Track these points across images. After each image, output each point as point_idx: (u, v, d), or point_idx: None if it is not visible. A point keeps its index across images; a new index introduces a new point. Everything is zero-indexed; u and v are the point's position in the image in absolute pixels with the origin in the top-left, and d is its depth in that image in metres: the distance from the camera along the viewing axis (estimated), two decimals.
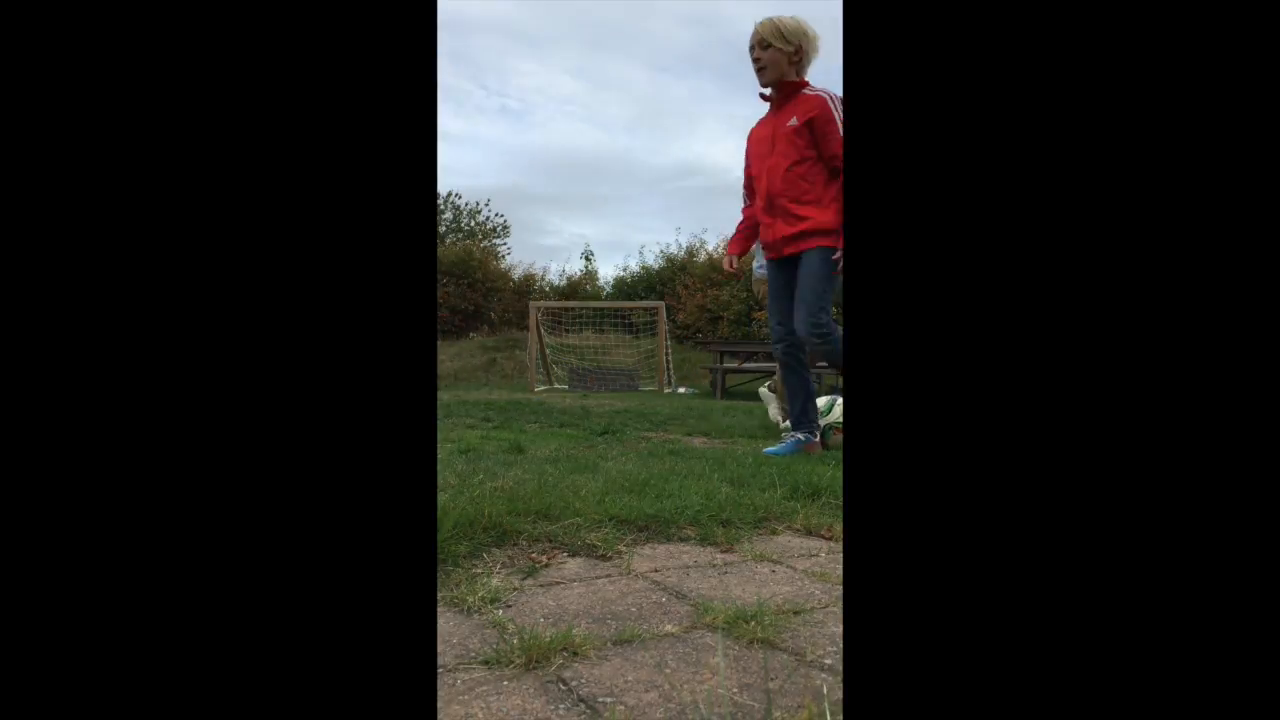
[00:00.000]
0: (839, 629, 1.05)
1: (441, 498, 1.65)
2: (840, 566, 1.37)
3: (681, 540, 1.57)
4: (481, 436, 3.31)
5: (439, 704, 0.79)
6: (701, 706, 0.80)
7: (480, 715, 0.78)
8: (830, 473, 2.12)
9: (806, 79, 2.78)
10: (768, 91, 2.80)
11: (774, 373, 7.63)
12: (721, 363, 7.61)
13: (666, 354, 9.27)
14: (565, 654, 0.94)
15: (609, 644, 0.98)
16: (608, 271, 18.56)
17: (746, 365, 8.03)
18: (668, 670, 0.90)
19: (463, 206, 23.63)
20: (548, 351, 9.12)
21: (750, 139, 2.92)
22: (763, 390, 3.95)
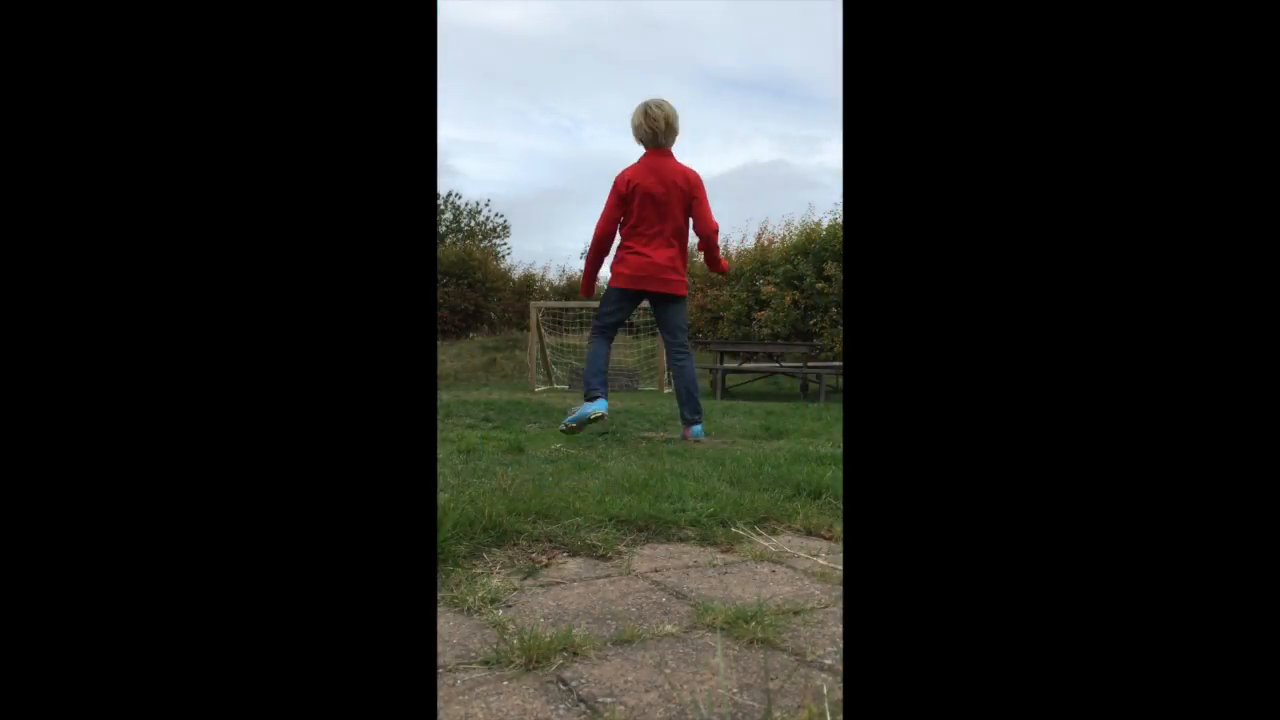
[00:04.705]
0: (839, 629, 1.05)
1: (441, 498, 1.65)
2: (840, 566, 1.37)
3: (681, 540, 1.57)
4: (481, 436, 3.31)
5: (439, 704, 0.79)
6: (701, 706, 0.80)
7: (480, 715, 0.78)
8: (830, 473, 2.12)
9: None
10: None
11: (773, 373, 7.64)
12: (721, 363, 7.60)
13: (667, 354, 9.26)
14: (565, 654, 0.94)
15: (609, 644, 0.98)
16: (608, 271, 18.48)
17: (746, 365, 8.02)
18: (668, 670, 0.90)
19: (463, 206, 23.63)
20: (548, 351, 9.11)
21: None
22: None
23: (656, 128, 3.19)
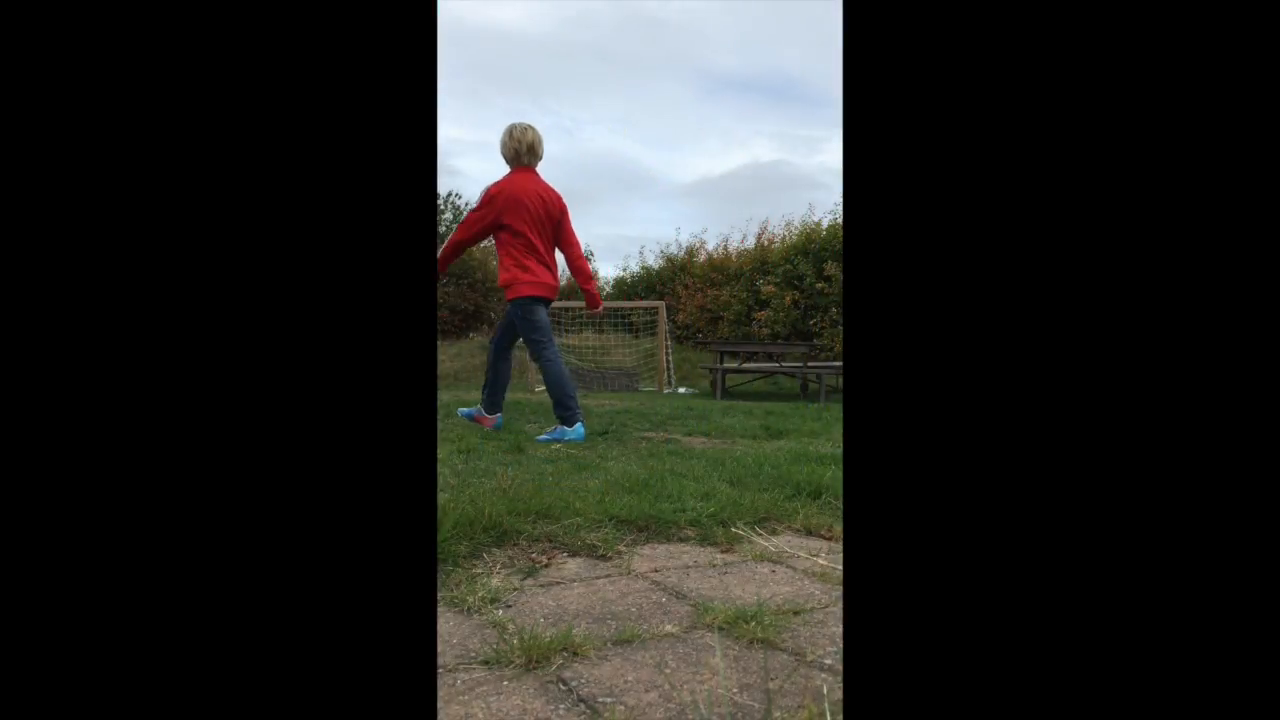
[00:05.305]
0: (839, 629, 1.05)
1: (441, 498, 1.65)
2: (840, 566, 1.37)
3: (681, 540, 1.57)
4: (481, 436, 3.31)
5: (439, 704, 0.79)
6: (701, 706, 0.80)
7: (480, 715, 0.78)
8: (830, 473, 2.12)
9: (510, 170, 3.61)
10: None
11: (773, 373, 7.69)
12: (721, 363, 7.60)
13: (667, 354, 9.27)
14: (565, 654, 0.94)
15: (609, 644, 0.98)
16: (608, 271, 18.53)
17: (746, 365, 8.02)
18: (668, 670, 0.90)
19: (463, 207, 23.65)
20: None
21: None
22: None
23: (519, 149, 3.52)
